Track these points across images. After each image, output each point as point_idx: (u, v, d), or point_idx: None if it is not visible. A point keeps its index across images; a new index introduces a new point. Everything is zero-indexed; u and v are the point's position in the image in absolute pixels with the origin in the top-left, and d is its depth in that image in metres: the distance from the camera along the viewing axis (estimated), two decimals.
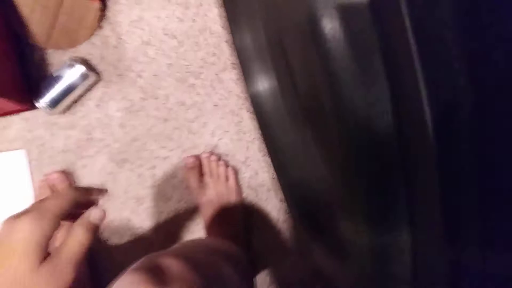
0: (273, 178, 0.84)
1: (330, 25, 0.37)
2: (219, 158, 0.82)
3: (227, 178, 0.81)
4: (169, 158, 0.83)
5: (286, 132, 0.68)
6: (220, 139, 0.83)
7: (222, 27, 0.83)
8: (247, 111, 0.83)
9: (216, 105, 0.83)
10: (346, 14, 0.36)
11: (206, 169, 0.81)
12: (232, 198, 0.80)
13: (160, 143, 0.83)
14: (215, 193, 0.80)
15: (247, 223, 0.83)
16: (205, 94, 0.83)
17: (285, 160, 0.70)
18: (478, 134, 0.32)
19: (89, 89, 0.83)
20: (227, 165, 0.82)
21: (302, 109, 0.57)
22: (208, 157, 0.81)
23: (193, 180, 0.80)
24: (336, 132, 0.44)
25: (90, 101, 0.83)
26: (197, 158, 0.80)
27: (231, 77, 0.83)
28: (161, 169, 0.83)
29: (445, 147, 0.33)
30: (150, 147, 0.83)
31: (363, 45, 0.36)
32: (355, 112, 0.39)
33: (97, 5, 0.79)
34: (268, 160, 0.73)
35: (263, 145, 0.80)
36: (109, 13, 0.82)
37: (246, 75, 0.72)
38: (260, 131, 0.72)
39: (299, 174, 0.68)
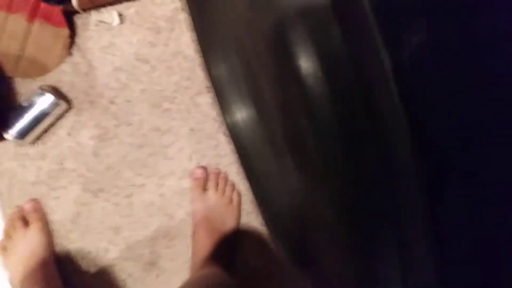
0: (252, 202, 0.82)
1: (306, 62, 0.36)
2: (227, 178, 0.80)
3: (231, 200, 0.79)
4: (146, 185, 0.81)
5: (266, 161, 0.67)
6: (198, 163, 0.82)
7: (195, 51, 0.82)
8: (224, 135, 0.82)
9: (192, 130, 0.82)
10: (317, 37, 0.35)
11: (212, 183, 0.79)
12: (231, 221, 0.78)
13: (135, 170, 0.81)
14: (214, 211, 0.77)
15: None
16: (180, 119, 0.82)
17: (265, 188, 0.68)
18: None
19: (59, 117, 0.80)
20: (234, 187, 0.80)
21: (281, 136, 0.57)
22: (218, 173, 0.79)
23: (195, 192, 0.78)
24: (321, 164, 0.43)
25: (61, 129, 0.81)
26: (205, 170, 0.79)
27: (207, 101, 0.82)
28: (138, 197, 0.81)
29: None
30: (126, 175, 0.81)
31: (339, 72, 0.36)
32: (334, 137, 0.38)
33: (66, 32, 0.78)
34: (247, 183, 0.72)
35: (241, 169, 0.79)
36: (79, 40, 0.81)
37: (222, 103, 0.71)
38: (238, 160, 0.71)
39: (280, 202, 0.66)
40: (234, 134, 0.68)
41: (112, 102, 0.81)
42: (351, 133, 0.37)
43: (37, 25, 0.76)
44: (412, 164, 0.33)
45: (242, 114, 0.67)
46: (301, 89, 0.38)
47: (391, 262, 0.41)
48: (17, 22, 0.75)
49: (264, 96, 0.58)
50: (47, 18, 0.76)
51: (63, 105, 0.78)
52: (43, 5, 0.75)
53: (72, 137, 0.81)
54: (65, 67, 0.80)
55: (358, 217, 0.42)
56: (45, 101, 0.77)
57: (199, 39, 0.66)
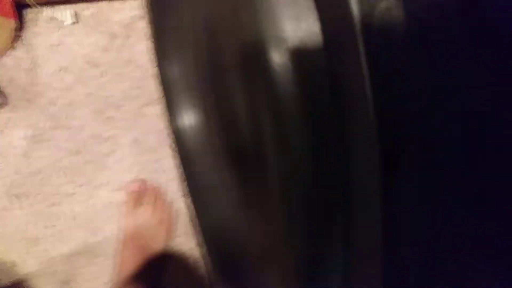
0: (191, 221, 0.77)
1: (283, 76, 0.32)
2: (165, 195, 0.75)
3: (165, 219, 0.73)
4: (76, 194, 0.75)
5: (209, 172, 0.63)
6: (136, 176, 0.76)
7: (149, 61, 0.80)
8: (168, 149, 0.77)
9: (135, 140, 0.77)
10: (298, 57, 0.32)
11: (148, 199, 0.73)
12: (161, 241, 0.72)
13: (67, 177, 0.75)
14: (145, 229, 0.71)
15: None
16: (124, 128, 0.77)
17: (206, 201, 0.64)
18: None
19: None
20: (171, 205, 0.75)
21: (229, 149, 0.53)
22: (155, 189, 0.74)
23: (128, 206, 0.72)
24: (274, 177, 0.39)
25: None
26: (143, 184, 0.73)
27: (155, 112, 0.78)
28: (65, 207, 0.74)
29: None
30: (56, 181, 0.75)
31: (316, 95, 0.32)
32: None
33: (12, 24, 0.74)
34: (187, 201, 0.67)
35: (182, 186, 0.74)
36: (26, 34, 0.77)
37: (171, 108, 0.67)
38: (181, 169, 0.66)
39: (220, 217, 0.62)
40: (179, 140, 0.64)
41: (52, 103, 0.76)
42: (320, 138, 0.34)
43: None
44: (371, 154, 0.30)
45: (189, 119, 0.63)
46: (270, 90, 0.34)
47: (334, 268, 0.37)
48: None
49: (215, 104, 0.55)
50: None
51: None
52: None
53: (4, 135, 0.75)
54: (7, 60, 0.76)
55: (310, 238, 0.38)
56: None
57: (156, 39, 0.63)
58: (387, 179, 0.26)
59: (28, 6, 0.76)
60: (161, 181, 0.76)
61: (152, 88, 0.79)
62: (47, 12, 0.77)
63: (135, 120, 0.78)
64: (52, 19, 0.77)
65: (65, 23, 0.78)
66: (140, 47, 0.80)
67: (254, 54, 0.33)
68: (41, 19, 0.77)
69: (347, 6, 0.21)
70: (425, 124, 0.25)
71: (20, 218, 0.73)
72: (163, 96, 0.69)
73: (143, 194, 0.73)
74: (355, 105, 0.25)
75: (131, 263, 0.69)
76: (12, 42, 0.75)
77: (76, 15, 0.79)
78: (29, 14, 0.77)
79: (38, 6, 0.75)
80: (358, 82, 0.22)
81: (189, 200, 0.66)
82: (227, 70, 0.48)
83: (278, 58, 0.30)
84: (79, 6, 0.79)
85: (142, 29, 0.81)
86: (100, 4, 0.80)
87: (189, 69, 0.62)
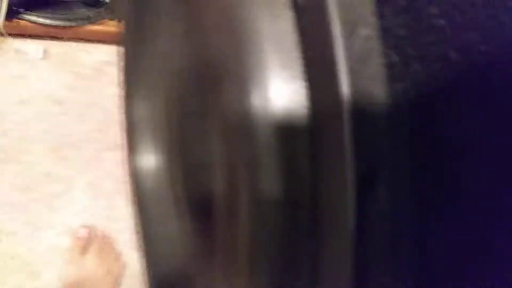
0: (140, 275, 0.76)
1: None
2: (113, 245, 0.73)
3: (111, 271, 0.71)
4: (17, 234, 0.71)
5: (166, 220, 0.63)
6: (86, 221, 0.75)
7: (114, 106, 0.80)
8: (123, 197, 0.77)
9: (89, 184, 0.76)
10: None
11: (95, 248, 0.70)
12: None
13: (10, 214, 0.72)
14: (88, 280, 0.68)
15: None
16: (79, 170, 0.76)
17: (159, 252, 0.64)
18: None
19: None
20: (119, 257, 0.73)
21: (192, 198, 0.54)
22: (104, 238, 0.72)
23: (73, 253, 0.69)
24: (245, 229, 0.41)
25: None
26: (91, 232, 0.71)
27: (114, 158, 0.78)
28: (4, 245, 0.70)
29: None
30: None
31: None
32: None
33: None
34: (138, 253, 0.67)
35: (135, 237, 0.74)
36: None
37: (133, 148, 0.67)
38: (135, 216, 0.66)
39: (174, 268, 0.62)
40: (137, 183, 0.64)
41: (4, 134, 0.74)
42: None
43: None
44: None
45: (151, 161, 0.63)
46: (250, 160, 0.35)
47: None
48: None
49: (180, 151, 0.57)
50: None
51: None
52: None
53: None
54: None
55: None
56: None
57: (127, 74, 0.64)
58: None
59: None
60: (111, 229, 0.75)
61: (113, 133, 0.79)
62: (15, 43, 0.76)
63: (92, 163, 0.77)
64: (20, 51, 0.76)
65: (32, 57, 0.77)
66: (107, 91, 0.81)
67: (236, 119, 0.32)
68: (8, 50, 0.76)
69: (337, 86, 0.19)
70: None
71: None
72: (126, 135, 0.69)
73: (90, 241, 0.72)
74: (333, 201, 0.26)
75: None
76: None
77: (45, 51, 0.78)
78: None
79: (8, 36, 0.74)
80: (339, 177, 0.23)
81: (141, 252, 0.66)
82: (200, 121, 0.51)
83: (261, 130, 0.31)
84: (50, 43, 0.79)
85: (111, 74, 0.82)
86: (71, 44, 0.80)
87: (157, 111, 0.64)
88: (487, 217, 0.20)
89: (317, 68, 0.19)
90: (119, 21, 0.80)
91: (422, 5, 0.16)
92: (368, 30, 0.15)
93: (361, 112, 0.19)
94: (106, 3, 0.76)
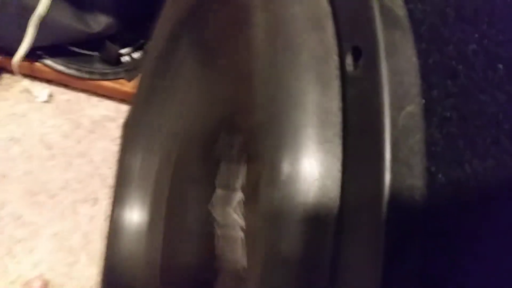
0: None
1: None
2: None
3: None
4: None
5: (131, 284, 0.59)
6: (42, 275, 0.69)
7: (103, 161, 0.80)
8: (87, 256, 0.73)
9: (55, 234, 0.72)
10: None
11: None
12: None
13: None
14: None
15: None
16: (49, 218, 0.73)
17: None
18: None
19: None
20: None
21: (164, 265, 0.51)
22: None
23: None
24: None
25: None
26: (44, 287, 0.66)
27: (88, 213, 0.75)
28: None
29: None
30: None
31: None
32: None
33: None
34: None
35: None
36: None
37: (117, 194, 0.64)
38: (101, 277, 0.61)
39: None
40: (113, 235, 0.60)
41: None
42: None
43: None
44: None
45: (132, 216, 0.61)
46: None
47: None
48: None
49: (167, 214, 0.55)
50: None
51: None
52: None
53: None
54: None
55: None
56: None
57: (130, 124, 0.62)
58: None
59: (8, 71, 0.76)
60: (66, 287, 0.70)
61: (94, 187, 0.78)
62: (23, 83, 0.77)
63: (65, 214, 0.74)
64: (26, 91, 0.78)
65: (36, 99, 0.78)
66: (100, 145, 0.81)
67: (262, 197, 0.25)
68: (15, 87, 0.77)
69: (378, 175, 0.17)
70: None
71: None
72: (114, 186, 0.67)
73: None
74: None
75: None
76: None
77: (50, 95, 0.80)
78: (6, 78, 0.77)
79: (19, 75, 0.75)
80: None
81: None
82: (198, 190, 0.50)
83: (288, 214, 0.24)
84: (57, 89, 0.81)
85: (109, 129, 0.83)
86: (78, 94, 0.82)
87: (151, 170, 0.62)
88: None
89: (359, 140, 0.18)
90: (130, 80, 0.83)
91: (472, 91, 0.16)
92: (414, 107, 0.16)
93: (398, 208, 0.16)
94: (125, 62, 0.79)
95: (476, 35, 0.16)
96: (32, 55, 0.73)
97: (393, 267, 0.15)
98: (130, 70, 0.80)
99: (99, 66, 0.77)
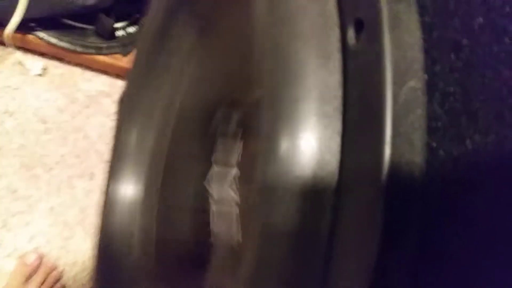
0: None
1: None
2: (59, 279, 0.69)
3: None
4: None
5: (126, 255, 0.59)
6: (36, 248, 0.70)
7: (99, 136, 0.79)
8: (83, 230, 0.73)
9: (51, 209, 0.72)
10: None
11: (38, 278, 0.65)
12: None
13: None
14: None
15: None
16: (45, 192, 0.73)
17: None
18: None
19: None
20: None
21: (159, 239, 0.51)
22: (52, 269, 0.67)
23: (15, 279, 0.64)
24: None
25: None
26: (39, 260, 0.66)
27: (84, 187, 0.75)
28: None
29: None
30: None
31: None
32: None
33: None
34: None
35: (83, 273, 0.69)
36: None
37: (113, 169, 0.64)
38: (96, 249, 0.61)
39: None
40: (108, 209, 0.60)
41: None
42: None
43: None
44: None
45: (127, 189, 0.60)
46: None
47: None
48: None
49: (163, 187, 0.55)
50: None
51: None
52: None
53: None
54: None
55: None
56: None
57: (127, 99, 0.62)
58: None
59: (1, 43, 0.74)
60: (62, 261, 0.71)
61: (90, 162, 0.77)
62: (17, 55, 0.76)
63: (61, 188, 0.74)
64: (20, 64, 0.76)
65: (30, 72, 0.76)
66: (96, 120, 0.80)
67: (260, 166, 0.24)
68: (8, 60, 0.76)
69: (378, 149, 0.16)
70: None
71: None
72: (109, 161, 0.66)
73: (35, 270, 0.67)
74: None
75: None
76: None
77: (44, 68, 0.78)
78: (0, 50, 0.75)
79: (13, 47, 0.74)
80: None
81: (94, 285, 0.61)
82: (192, 165, 0.49)
83: (285, 183, 0.23)
84: (51, 63, 0.79)
85: (104, 104, 0.82)
86: (73, 68, 0.81)
87: (147, 144, 0.62)
88: None
89: (359, 114, 0.18)
90: (126, 55, 0.82)
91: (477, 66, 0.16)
92: (416, 82, 0.16)
93: (397, 182, 0.16)
94: (120, 37, 0.78)
95: (483, 8, 0.15)
96: (25, 27, 0.71)
97: (391, 239, 0.15)
98: (125, 45, 0.79)
99: (93, 40, 0.76)
